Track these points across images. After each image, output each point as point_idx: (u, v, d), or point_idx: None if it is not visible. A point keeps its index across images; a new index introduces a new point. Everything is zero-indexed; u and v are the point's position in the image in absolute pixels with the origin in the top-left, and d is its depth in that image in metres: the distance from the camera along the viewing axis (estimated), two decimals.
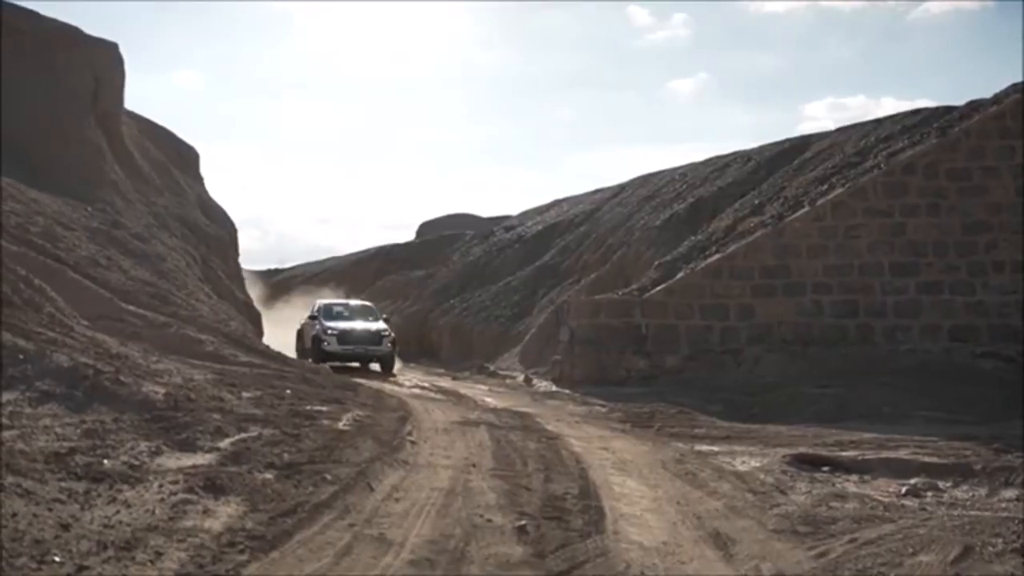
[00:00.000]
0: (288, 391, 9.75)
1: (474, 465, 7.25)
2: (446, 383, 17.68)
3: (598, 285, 19.28)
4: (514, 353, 22.18)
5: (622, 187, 26.87)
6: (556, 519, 5.75)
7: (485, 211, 44.28)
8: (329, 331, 19.17)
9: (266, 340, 17.72)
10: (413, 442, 8.02)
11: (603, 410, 12.90)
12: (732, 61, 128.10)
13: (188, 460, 5.93)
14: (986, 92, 17.04)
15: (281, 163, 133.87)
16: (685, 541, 5.54)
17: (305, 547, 4.72)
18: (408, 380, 17.78)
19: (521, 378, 17.85)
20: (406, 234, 72.88)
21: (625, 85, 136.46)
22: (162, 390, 7.57)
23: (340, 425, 8.16)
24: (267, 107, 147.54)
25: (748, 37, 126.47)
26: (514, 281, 23.72)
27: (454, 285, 28.26)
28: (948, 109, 17.89)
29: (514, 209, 37.48)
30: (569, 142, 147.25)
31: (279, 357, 13.94)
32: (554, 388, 16.10)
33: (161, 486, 5.22)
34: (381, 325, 20.04)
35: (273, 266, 46.68)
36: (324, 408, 9.02)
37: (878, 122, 19.67)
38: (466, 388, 16.54)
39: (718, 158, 24.06)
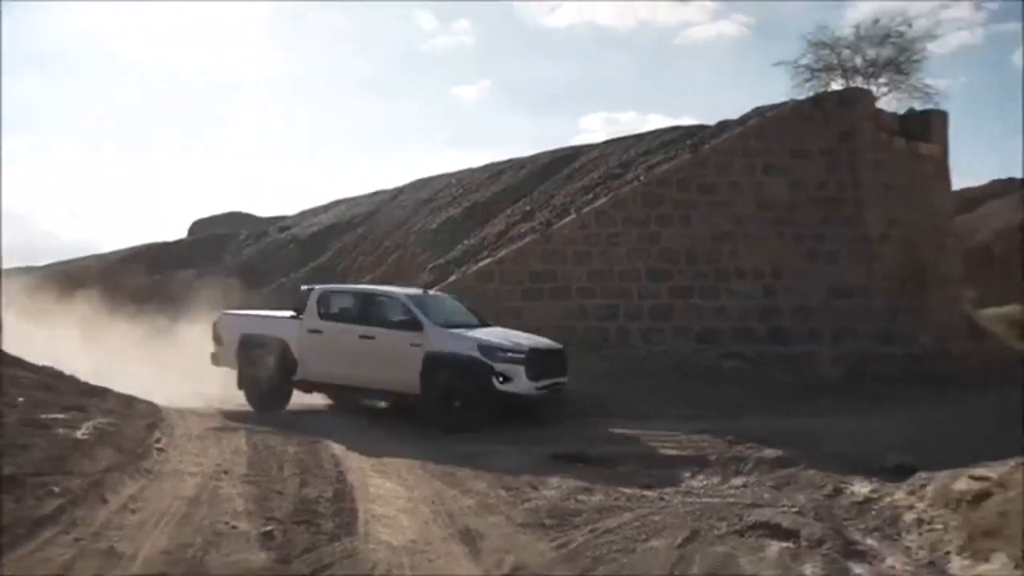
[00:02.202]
0: (21, 399, 8.89)
1: (226, 472, 6.98)
2: (211, 387, 16.83)
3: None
4: None
5: (400, 190, 26.87)
6: (306, 523, 5.65)
7: (262, 211, 42.67)
8: (500, 351, 10.92)
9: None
10: (161, 450, 7.59)
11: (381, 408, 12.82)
12: (515, 71, 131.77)
13: None
14: (738, 113, 18.54)
15: (13, 149, 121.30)
16: (435, 539, 5.61)
17: (20, 565, 4.33)
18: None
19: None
20: (177, 232, 68.93)
21: (410, 89, 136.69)
22: None
23: (78, 434, 7.53)
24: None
25: (530, 49, 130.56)
26: (288, 282, 23.06)
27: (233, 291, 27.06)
28: (701, 127, 19.25)
29: (292, 210, 36.43)
30: (352, 144, 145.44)
31: (17, 362, 12.70)
32: None
33: None
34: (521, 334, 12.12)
35: (20, 264, 42.37)
36: (62, 416, 8.29)
37: (640, 137, 20.86)
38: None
39: (494, 164, 24.62)
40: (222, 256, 29.89)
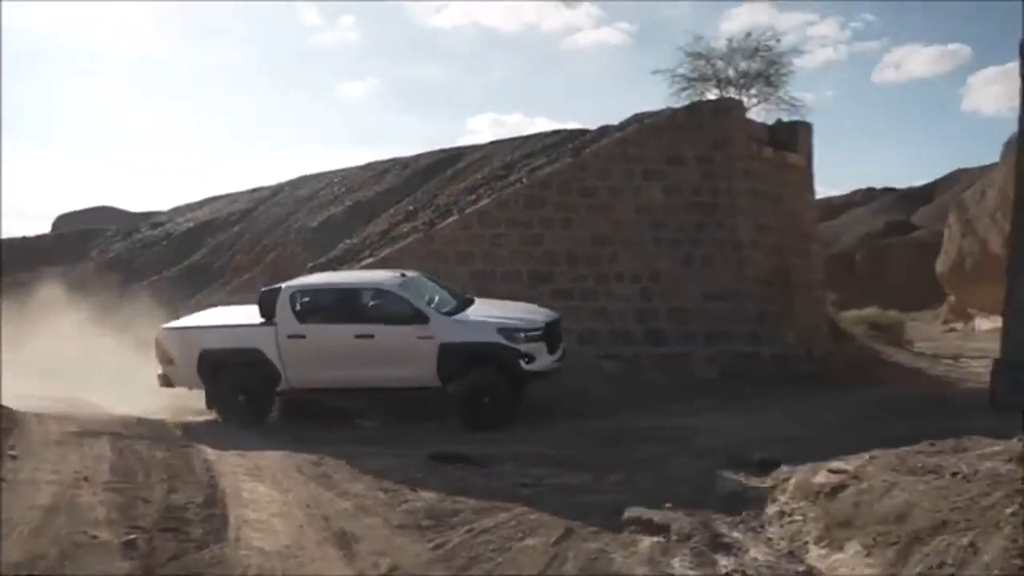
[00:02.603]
0: None
1: (87, 479, 6.64)
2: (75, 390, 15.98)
3: (250, 286, 18.63)
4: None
5: (281, 187, 26.25)
6: (173, 530, 5.45)
7: (133, 206, 40.95)
8: (520, 332, 10.88)
9: None
10: (15, 456, 7.14)
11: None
12: (402, 69, 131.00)
13: None
14: (620, 119, 18.94)
15: None
16: (309, 543, 5.50)
17: None
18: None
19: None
20: (40, 226, 65.23)
21: (293, 85, 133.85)
22: None
23: None
24: None
25: (417, 48, 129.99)
26: (159, 281, 22.16)
27: (92, 284, 25.73)
28: (583, 132, 19.58)
29: (165, 205, 35.12)
30: (231, 140, 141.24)
31: None
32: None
33: None
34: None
35: None
36: None
37: (525, 139, 21.04)
38: (98, 395, 15.09)
39: (378, 163, 24.34)
40: (88, 252, 28.51)
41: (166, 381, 11.69)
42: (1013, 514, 4.80)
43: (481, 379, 10.72)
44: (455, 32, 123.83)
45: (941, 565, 4.53)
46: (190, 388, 11.59)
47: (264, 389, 11.17)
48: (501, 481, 7.82)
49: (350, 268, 16.31)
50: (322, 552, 5.33)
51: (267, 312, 11.24)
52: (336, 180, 24.25)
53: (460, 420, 10.65)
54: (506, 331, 10.86)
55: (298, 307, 11.27)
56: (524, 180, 17.04)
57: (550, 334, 11.21)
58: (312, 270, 16.93)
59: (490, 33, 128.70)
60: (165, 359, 11.51)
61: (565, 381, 13.57)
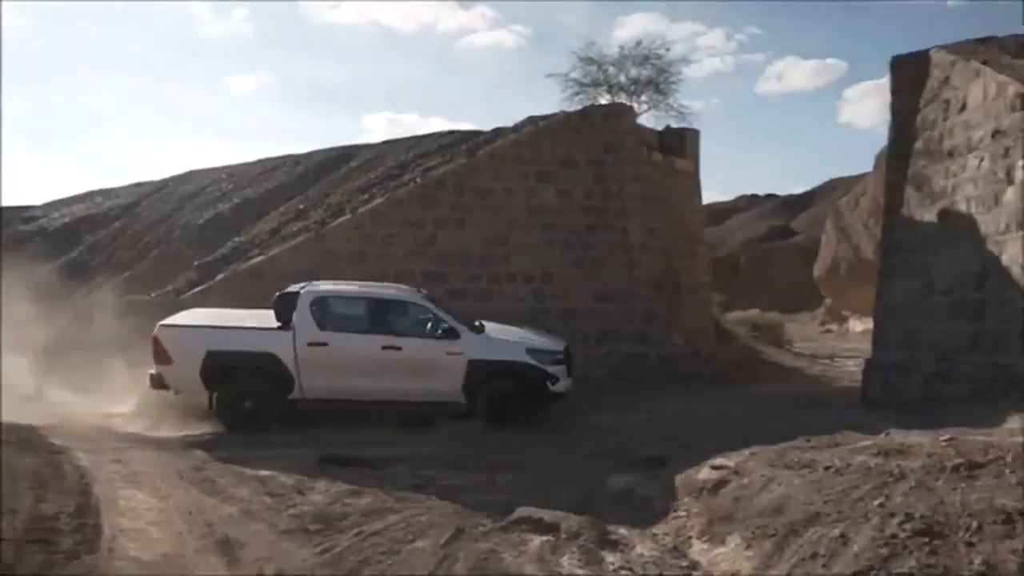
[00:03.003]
0: None
1: None
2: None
3: (132, 285, 17.91)
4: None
5: (165, 182, 25.33)
6: (41, 541, 5.16)
7: (4, 200, 38.73)
8: (546, 354, 11.26)
9: None
10: None
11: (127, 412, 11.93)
12: (295, 65, 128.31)
13: None
14: (515, 121, 19.05)
15: None
16: (190, 551, 5.32)
17: None
18: None
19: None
20: None
21: (180, 76, 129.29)
22: None
23: None
24: None
25: (311, 44, 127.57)
26: (34, 277, 21.02)
27: None
28: (477, 133, 19.63)
29: (39, 199, 33.37)
30: (114, 130, 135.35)
31: None
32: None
33: None
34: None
35: None
36: None
37: (419, 139, 20.94)
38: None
39: (268, 160, 23.78)
40: None
41: (159, 382, 10.86)
42: (880, 505, 5.05)
43: (507, 390, 10.88)
44: (351, 29, 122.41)
45: (814, 556, 4.71)
46: (185, 392, 10.92)
47: (274, 397, 10.65)
48: (393, 483, 7.74)
49: (237, 267, 15.85)
50: (203, 560, 5.16)
51: (284, 317, 10.81)
52: (224, 176, 23.57)
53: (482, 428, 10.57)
54: (535, 352, 11.14)
55: (320, 314, 10.91)
56: (418, 180, 16.95)
57: (569, 359, 11.57)
58: (198, 268, 16.40)
59: (386, 32, 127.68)
60: (162, 358, 10.70)
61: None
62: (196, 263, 16.82)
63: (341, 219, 16.31)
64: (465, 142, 18.66)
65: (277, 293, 11.18)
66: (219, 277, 15.60)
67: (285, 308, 10.86)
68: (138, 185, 26.89)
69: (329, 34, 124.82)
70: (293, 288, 11.22)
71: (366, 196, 17.09)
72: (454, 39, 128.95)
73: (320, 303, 11.02)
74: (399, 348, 10.81)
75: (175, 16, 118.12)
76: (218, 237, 18.36)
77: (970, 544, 4.24)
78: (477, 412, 10.77)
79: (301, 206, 18.20)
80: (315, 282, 11.77)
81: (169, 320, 11.19)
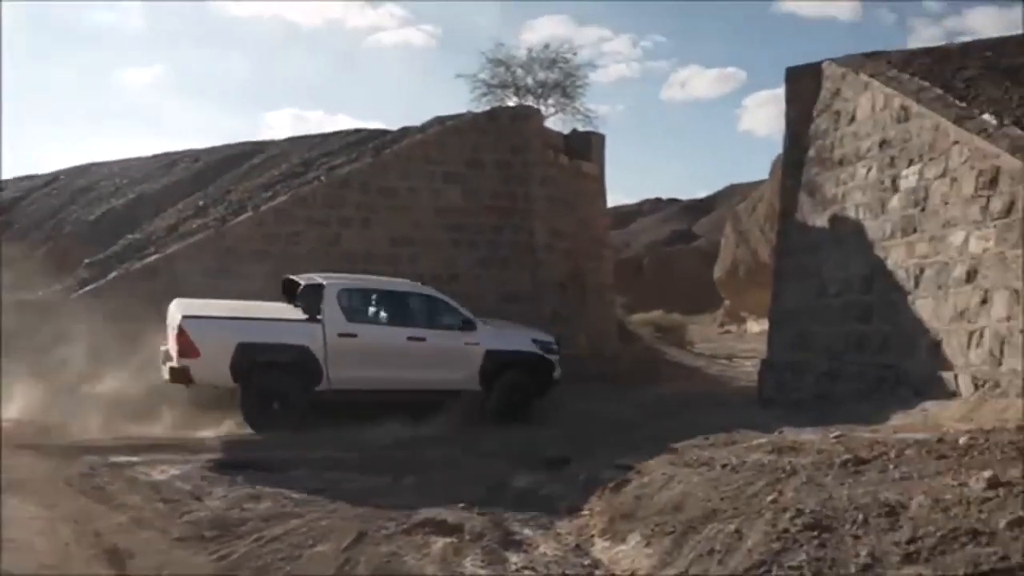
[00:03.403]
0: None
1: None
2: None
3: (18, 283, 17.04)
4: None
5: (56, 176, 24.20)
6: None
7: None
8: (550, 346, 12.33)
9: None
10: None
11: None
12: (194, 58, 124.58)
13: None
14: (423, 120, 18.93)
15: None
16: (76, 561, 5.09)
17: None
18: None
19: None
20: None
21: (69, 66, 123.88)
22: None
23: None
24: None
25: (212, 36, 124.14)
26: None
27: None
28: (384, 132, 19.44)
29: None
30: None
31: None
32: None
33: None
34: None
35: None
36: None
37: (324, 137, 20.60)
38: None
39: (167, 155, 22.99)
40: None
41: (183, 376, 10.38)
42: (773, 501, 5.22)
43: (519, 378, 11.75)
44: (254, 23, 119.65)
45: (711, 552, 4.83)
46: (216, 384, 10.54)
47: (303, 389, 10.60)
48: (294, 487, 7.59)
49: (131, 265, 15.26)
50: (90, 571, 4.94)
51: (312, 308, 10.82)
52: (118, 170, 22.67)
53: (494, 414, 11.44)
54: (540, 343, 12.23)
55: (347, 305, 11.04)
56: (323, 178, 16.68)
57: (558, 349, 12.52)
58: (89, 267, 15.73)
59: (291, 28, 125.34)
60: (189, 351, 10.25)
61: None
62: (87, 260, 16.11)
63: (243, 216, 15.90)
64: (372, 141, 18.45)
65: (304, 284, 11.30)
66: (112, 275, 15.00)
67: (312, 300, 10.93)
68: (26, 178, 25.64)
69: (231, 28, 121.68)
70: (315, 280, 11.32)
71: (269, 194, 16.71)
72: (362, 37, 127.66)
73: (346, 295, 11.20)
74: (423, 339, 11.25)
75: (62, 4, 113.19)
76: (112, 234, 17.64)
77: (856, 537, 4.41)
78: (489, 400, 11.54)
79: (201, 203, 17.66)
80: (328, 274, 12.04)
81: (191, 311, 10.74)
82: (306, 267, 15.54)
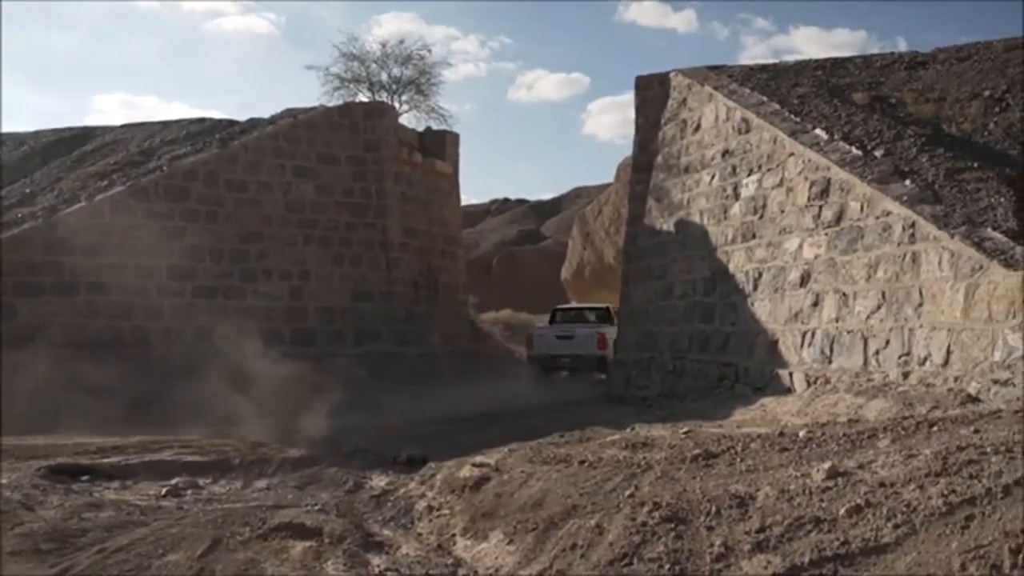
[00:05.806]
0: None
1: None
2: None
3: None
4: None
5: None
6: None
7: None
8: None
9: None
10: None
11: None
12: (14, 36, 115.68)
13: None
14: (267, 111, 18.41)
15: None
16: None
17: None
18: None
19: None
20: None
21: None
22: None
23: None
24: None
25: (34, 11, 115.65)
26: None
27: None
28: (232, 122, 18.75)
29: None
30: None
31: None
32: None
33: None
34: None
35: None
36: None
37: (165, 125, 19.63)
38: None
39: None
40: None
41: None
42: (631, 496, 5.39)
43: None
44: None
45: (573, 547, 4.94)
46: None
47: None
48: (137, 494, 7.20)
49: None
50: None
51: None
52: None
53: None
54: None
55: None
56: (165, 168, 15.91)
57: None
58: None
59: (122, 7, 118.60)
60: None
61: (211, 384, 12.91)
62: None
63: (75, 207, 14.92)
64: (217, 131, 17.76)
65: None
66: None
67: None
68: None
69: (54, 4, 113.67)
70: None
71: (105, 183, 15.76)
72: (200, 21, 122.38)
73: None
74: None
75: None
76: None
77: (710, 528, 4.62)
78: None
79: (27, 190, 16.44)
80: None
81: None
82: (146, 261, 14.82)
